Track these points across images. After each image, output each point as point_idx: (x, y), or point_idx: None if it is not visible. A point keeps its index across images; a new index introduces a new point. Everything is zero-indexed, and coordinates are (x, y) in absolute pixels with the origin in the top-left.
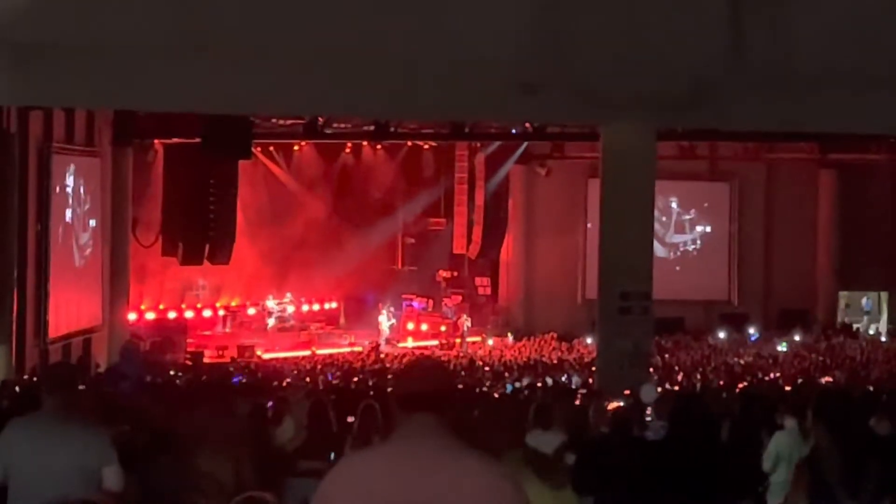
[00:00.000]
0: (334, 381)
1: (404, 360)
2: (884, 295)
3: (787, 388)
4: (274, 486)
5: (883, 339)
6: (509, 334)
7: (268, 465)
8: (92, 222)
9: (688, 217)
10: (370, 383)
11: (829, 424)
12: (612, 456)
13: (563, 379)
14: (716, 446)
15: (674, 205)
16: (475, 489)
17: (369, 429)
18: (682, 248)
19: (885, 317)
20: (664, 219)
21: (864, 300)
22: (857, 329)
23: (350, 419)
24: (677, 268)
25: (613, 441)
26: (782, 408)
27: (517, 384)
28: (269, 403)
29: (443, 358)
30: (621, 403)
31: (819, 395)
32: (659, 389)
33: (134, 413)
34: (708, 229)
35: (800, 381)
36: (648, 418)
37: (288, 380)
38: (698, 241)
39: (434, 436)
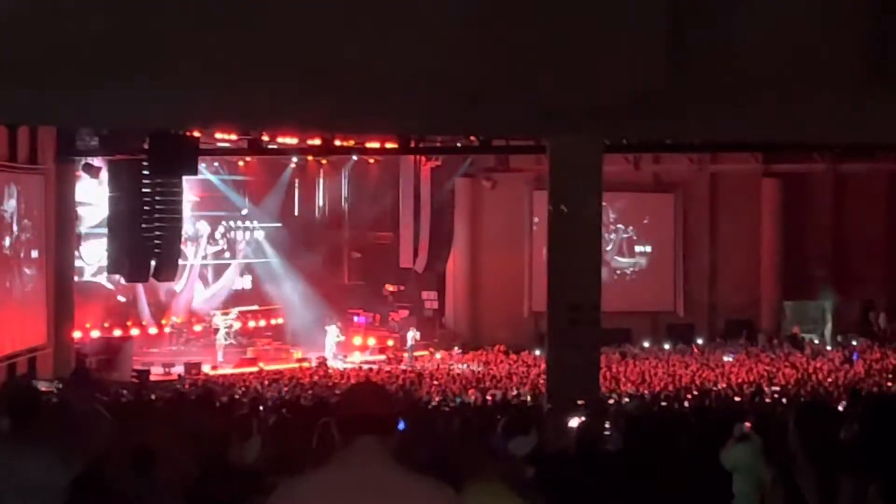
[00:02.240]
0: (284, 397)
1: (351, 376)
2: (828, 304)
3: (737, 399)
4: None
5: (828, 347)
6: (456, 347)
7: (232, 483)
8: (34, 252)
9: (626, 236)
10: (321, 398)
11: (806, 439)
12: (580, 471)
13: (514, 392)
14: (677, 457)
15: (612, 217)
16: None
17: (327, 447)
18: (619, 272)
19: (829, 325)
20: (606, 236)
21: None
22: (803, 338)
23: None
24: (620, 287)
25: (580, 456)
26: (748, 421)
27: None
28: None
29: (392, 372)
30: (583, 419)
31: (798, 410)
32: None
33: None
34: (648, 249)
35: (765, 399)
36: (607, 432)
37: (236, 396)
38: (638, 263)
39: (375, 459)
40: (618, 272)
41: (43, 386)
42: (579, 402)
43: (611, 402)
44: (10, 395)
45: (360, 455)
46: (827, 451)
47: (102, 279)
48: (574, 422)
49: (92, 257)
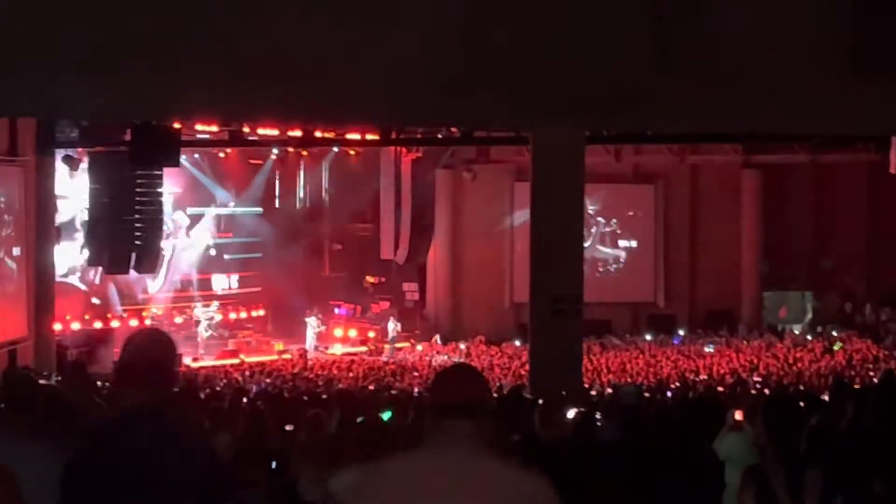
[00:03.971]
0: (267, 389)
1: (333, 368)
2: (808, 295)
3: (720, 389)
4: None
5: (808, 337)
6: (436, 337)
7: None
8: (16, 246)
9: (609, 230)
10: (304, 389)
11: (774, 433)
12: (579, 462)
13: (497, 384)
14: (671, 446)
15: (592, 209)
16: (514, 496)
17: (318, 438)
18: (602, 268)
19: (809, 316)
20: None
21: None
22: (783, 328)
23: (288, 427)
24: (600, 278)
25: (578, 447)
26: (742, 409)
27: None
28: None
29: (375, 363)
30: (582, 409)
31: (766, 403)
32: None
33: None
34: (633, 244)
35: (759, 388)
36: (598, 423)
37: (218, 388)
38: (622, 259)
39: (469, 443)
40: (600, 266)
41: (40, 378)
42: (563, 393)
43: (593, 392)
44: (7, 388)
45: (451, 439)
46: (795, 446)
47: (75, 279)
48: (571, 412)
49: (64, 258)
